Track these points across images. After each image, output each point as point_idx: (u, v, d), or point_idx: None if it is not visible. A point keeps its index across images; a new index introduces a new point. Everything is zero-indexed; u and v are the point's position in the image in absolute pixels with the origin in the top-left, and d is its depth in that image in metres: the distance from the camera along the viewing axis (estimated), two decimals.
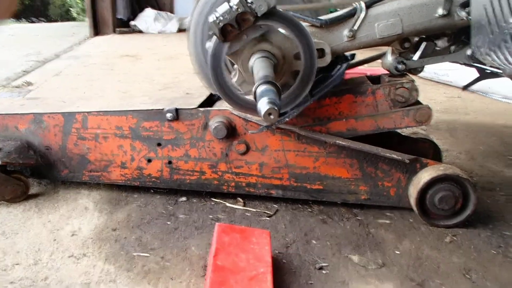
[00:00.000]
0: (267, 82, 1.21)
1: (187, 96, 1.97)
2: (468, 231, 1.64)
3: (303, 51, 1.53)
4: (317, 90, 1.66)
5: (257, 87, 1.22)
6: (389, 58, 1.77)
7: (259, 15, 1.46)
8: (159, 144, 1.81)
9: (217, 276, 1.25)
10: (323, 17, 1.69)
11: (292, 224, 1.69)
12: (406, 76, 1.75)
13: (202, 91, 1.96)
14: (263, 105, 1.12)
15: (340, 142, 1.69)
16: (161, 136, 1.80)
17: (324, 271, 1.42)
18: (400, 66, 1.72)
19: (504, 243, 1.58)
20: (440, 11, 1.59)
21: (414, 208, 1.66)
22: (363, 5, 1.63)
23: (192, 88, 2.22)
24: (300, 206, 1.81)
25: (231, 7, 1.43)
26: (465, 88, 2.32)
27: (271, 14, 1.49)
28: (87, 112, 1.81)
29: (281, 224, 1.69)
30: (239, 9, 1.44)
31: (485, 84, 3.10)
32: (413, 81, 1.71)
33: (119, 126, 1.80)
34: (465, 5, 1.53)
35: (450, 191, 1.63)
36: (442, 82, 3.74)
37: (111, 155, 1.84)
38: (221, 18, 1.44)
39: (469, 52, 1.65)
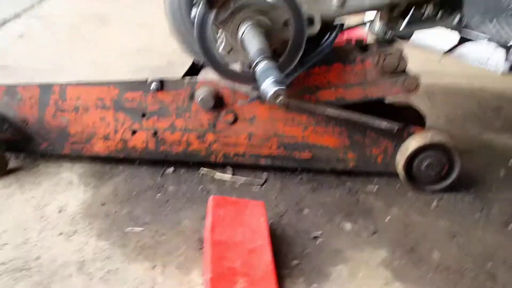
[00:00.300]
0: (265, 57, 1.17)
1: (170, 64, 1.90)
2: (452, 195, 1.70)
3: (292, 19, 1.49)
4: (306, 59, 1.63)
5: (256, 64, 1.17)
6: (377, 24, 1.75)
7: None
8: (143, 115, 1.75)
9: (217, 251, 1.25)
10: None
11: (282, 193, 1.70)
12: (394, 44, 1.74)
13: (184, 59, 1.89)
14: (269, 87, 1.07)
15: (330, 111, 1.68)
16: (145, 107, 1.74)
17: (318, 240, 1.45)
18: (388, 33, 1.71)
19: (486, 206, 1.65)
20: None
21: (402, 175, 1.70)
22: None
23: (171, 54, 2.12)
24: (289, 174, 1.81)
25: None
26: (447, 53, 2.35)
27: None
28: (66, 83, 1.72)
29: (272, 193, 1.69)
30: None
31: (462, 48, 3.12)
32: (401, 49, 1.70)
33: (100, 97, 1.73)
34: None
35: (436, 158, 1.67)
36: (420, 45, 3.76)
37: (93, 127, 1.76)
38: None
39: (457, 18, 1.65)
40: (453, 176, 1.70)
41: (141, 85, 1.71)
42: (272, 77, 1.09)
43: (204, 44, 1.51)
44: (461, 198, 1.69)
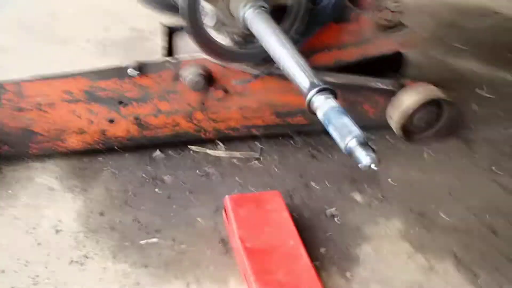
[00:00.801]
0: (323, 89, 1.02)
1: (139, 35, 1.62)
2: (441, 143, 1.77)
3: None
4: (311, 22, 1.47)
5: (313, 97, 1.02)
6: None
7: None
8: (120, 103, 1.53)
9: (255, 264, 1.22)
10: None
11: (283, 165, 1.66)
12: None
13: (149, 21, 1.63)
14: (361, 155, 0.91)
15: (328, 78, 1.59)
16: (123, 93, 1.52)
17: (336, 219, 1.47)
18: None
19: (469, 150, 1.75)
20: None
21: (398, 132, 1.71)
22: None
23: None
24: (283, 140, 1.75)
25: None
26: None
27: None
28: (19, 80, 1.42)
29: (273, 167, 1.65)
30: None
31: None
32: (397, 1, 1.59)
33: (67, 91, 1.46)
34: None
35: (429, 112, 1.69)
36: None
37: (62, 122, 1.53)
38: None
39: None
40: (440, 123, 1.75)
41: (114, 72, 1.47)
42: (353, 133, 0.94)
43: (195, 26, 1.31)
44: (449, 143, 1.77)
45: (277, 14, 1.37)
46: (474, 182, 1.63)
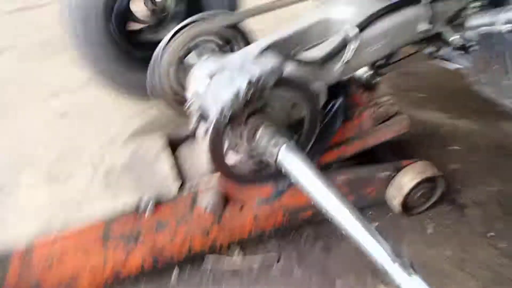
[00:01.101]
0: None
1: (143, 152, 1.52)
2: (437, 211, 1.86)
3: (309, 115, 1.34)
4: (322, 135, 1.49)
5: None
6: (363, 70, 1.64)
7: (267, 90, 1.19)
8: (136, 237, 1.43)
9: None
10: (314, 51, 1.40)
11: (302, 263, 1.66)
12: (378, 86, 1.68)
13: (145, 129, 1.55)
14: None
15: (340, 177, 1.61)
16: (139, 228, 1.42)
17: None
18: (376, 79, 1.63)
19: (463, 216, 1.86)
20: (424, 27, 1.48)
21: (398, 209, 1.77)
22: (355, 32, 1.39)
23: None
24: (295, 234, 1.75)
25: (237, 94, 1.12)
26: None
27: (279, 83, 1.21)
28: (30, 247, 1.28)
29: (294, 268, 1.64)
30: (248, 95, 1.13)
31: None
32: (390, 96, 1.66)
33: (81, 243, 1.34)
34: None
35: (428, 188, 1.78)
36: None
37: (74, 271, 1.40)
38: (226, 111, 1.12)
39: (430, 49, 1.65)
40: (436, 196, 1.85)
41: (129, 213, 1.38)
42: None
43: (216, 158, 1.26)
44: (447, 211, 1.86)
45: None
46: (478, 251, 1.73)
